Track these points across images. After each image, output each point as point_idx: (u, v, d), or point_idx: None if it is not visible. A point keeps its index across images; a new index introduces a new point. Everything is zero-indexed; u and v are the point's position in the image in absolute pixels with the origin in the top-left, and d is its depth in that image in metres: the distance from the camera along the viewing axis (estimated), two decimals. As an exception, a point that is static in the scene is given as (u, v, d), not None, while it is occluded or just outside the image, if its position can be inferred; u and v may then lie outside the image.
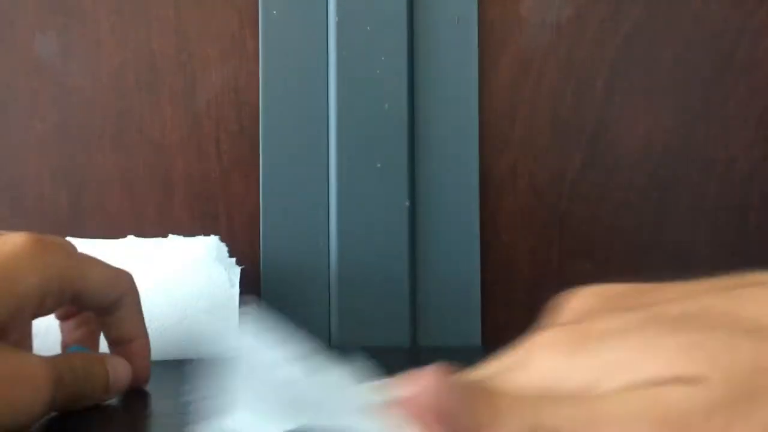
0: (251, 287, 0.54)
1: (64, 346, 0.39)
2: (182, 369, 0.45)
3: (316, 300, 0.55)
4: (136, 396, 0.38)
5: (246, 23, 0.56)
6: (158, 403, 0.37)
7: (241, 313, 0.41)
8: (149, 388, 0.39)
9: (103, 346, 0.39)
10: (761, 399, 0.19)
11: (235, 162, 0.56)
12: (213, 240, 0.50)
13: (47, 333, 0.39)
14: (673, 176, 0.58)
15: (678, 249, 0.58)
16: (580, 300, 0.25)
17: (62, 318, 0.39)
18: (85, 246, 0.48)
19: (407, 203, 0.55)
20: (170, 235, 0.51)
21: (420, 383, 0.20)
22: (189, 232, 0.54)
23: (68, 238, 0.49)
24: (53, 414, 0.33)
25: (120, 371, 0.36)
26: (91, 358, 0.35)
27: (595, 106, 0.57)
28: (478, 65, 0.56)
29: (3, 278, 0.30)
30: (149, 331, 0.39)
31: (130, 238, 0.50)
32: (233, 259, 0.50)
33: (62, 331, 0.39)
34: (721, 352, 0.20)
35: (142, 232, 0.52)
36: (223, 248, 0.50)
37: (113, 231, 0.54)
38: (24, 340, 0.35)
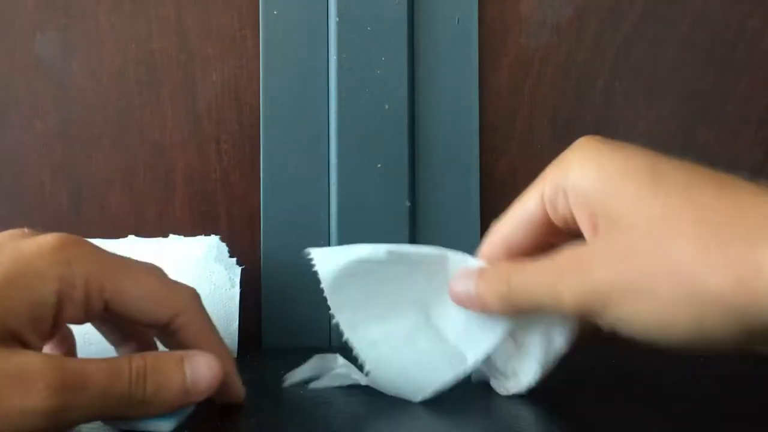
0: (251, 287, 0.54)
1: None
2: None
3: (317, 300, 0.55)
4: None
5: (246, 23, 0.56)
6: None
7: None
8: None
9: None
10: None
11: (235, 162, 0.56)
12: (213, 240, 0.50)
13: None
14: (673, 176, 0.58)
15: (678, 249, 0.58)
16: None
17: (118, 344, 0.36)
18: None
19: (407, 203, 0.55)
20: (170, 235, 0.51)
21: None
22: (189, 232, 0.54)
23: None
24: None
25: (201, 371, 0.31)
26: (163, 356, 0.31)
27: (595, 106, 0.57)
28: (478, 65, 0.56)
29: (18, 285, 0.28)
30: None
31: (130, 238, 0.50)
32: (233, 259, 0.50)
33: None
34: None
35: (142, 232, 0.52)
36: (223, 248, 0.50)
37: (113, 231, 0.54)
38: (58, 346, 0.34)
